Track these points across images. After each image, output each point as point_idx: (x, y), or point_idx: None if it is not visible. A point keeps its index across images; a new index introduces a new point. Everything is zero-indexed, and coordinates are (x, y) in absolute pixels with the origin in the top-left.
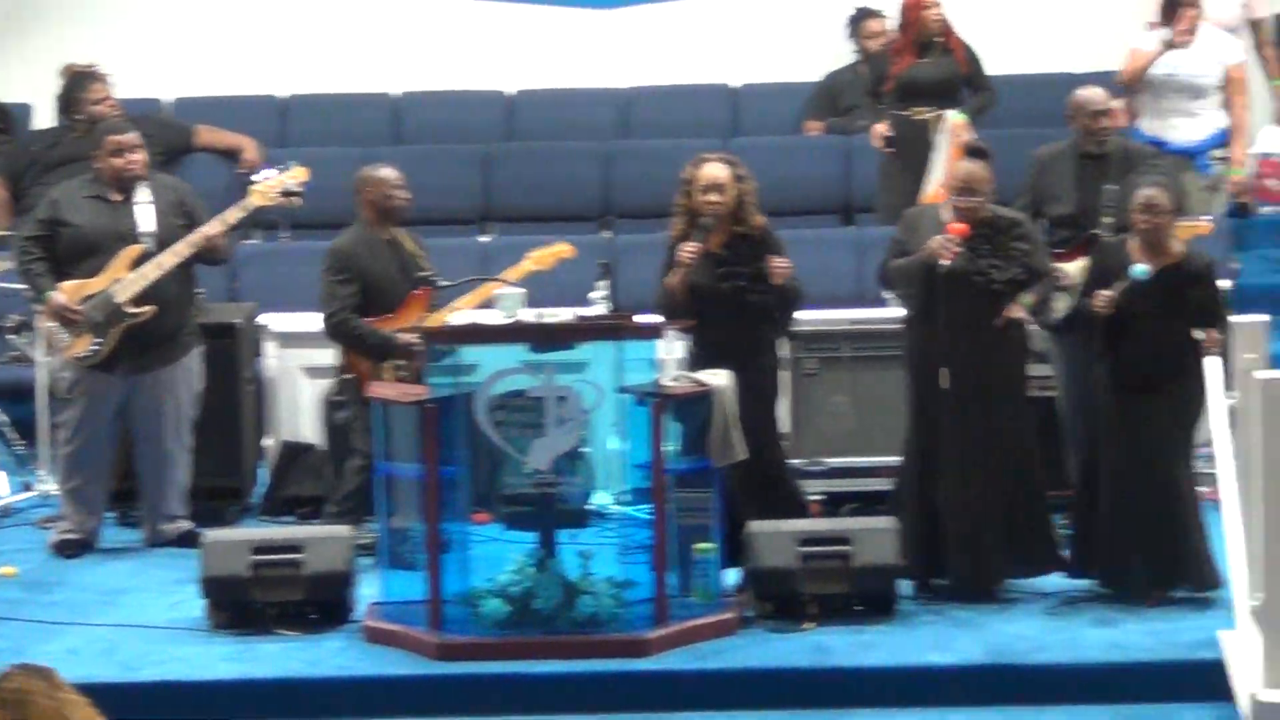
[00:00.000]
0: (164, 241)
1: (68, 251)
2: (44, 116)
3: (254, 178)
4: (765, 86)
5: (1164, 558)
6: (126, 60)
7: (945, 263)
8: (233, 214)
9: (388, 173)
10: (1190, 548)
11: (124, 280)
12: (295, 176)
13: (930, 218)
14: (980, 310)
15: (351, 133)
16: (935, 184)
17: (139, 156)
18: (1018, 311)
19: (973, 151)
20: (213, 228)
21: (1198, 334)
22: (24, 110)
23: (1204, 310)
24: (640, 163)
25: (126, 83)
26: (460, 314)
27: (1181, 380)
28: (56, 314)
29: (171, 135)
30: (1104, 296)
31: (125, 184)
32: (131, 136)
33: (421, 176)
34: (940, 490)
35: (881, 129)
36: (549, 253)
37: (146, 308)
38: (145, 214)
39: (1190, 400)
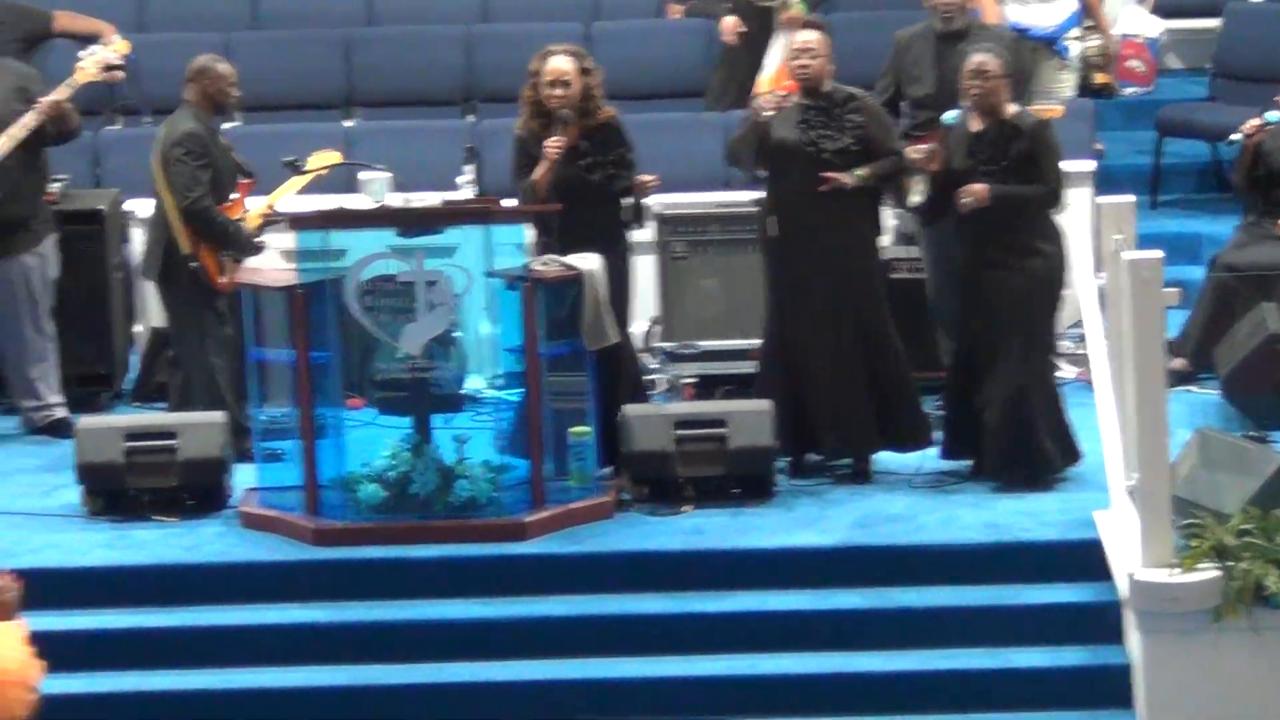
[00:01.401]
0: (2, 124)
1: None
2: None
3: (80, 54)
4: None
5: (1016, 437)
6: None
7: (768, 113)
8: (60, 92)
9: (228, 68)
10: (1050, 424)
11: None
12: (117, 50)
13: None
14: (816, 182)
15: (211, 18)
16: (772, 71)
17: None
18: (843, 178)
19: (810, 24)
20: (45, 105)
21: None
22: None
23: (1027, 163)
24: (502, 47)
25: None
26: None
27: (1031, 253)
28: None
29: (28, 21)
30: (922, 148)
31: None
32: None
33: (283, 62)
34: (802, 366)
35: (732, 23)
36: (322, 157)
37: None
38: None
39: (1043, 272)
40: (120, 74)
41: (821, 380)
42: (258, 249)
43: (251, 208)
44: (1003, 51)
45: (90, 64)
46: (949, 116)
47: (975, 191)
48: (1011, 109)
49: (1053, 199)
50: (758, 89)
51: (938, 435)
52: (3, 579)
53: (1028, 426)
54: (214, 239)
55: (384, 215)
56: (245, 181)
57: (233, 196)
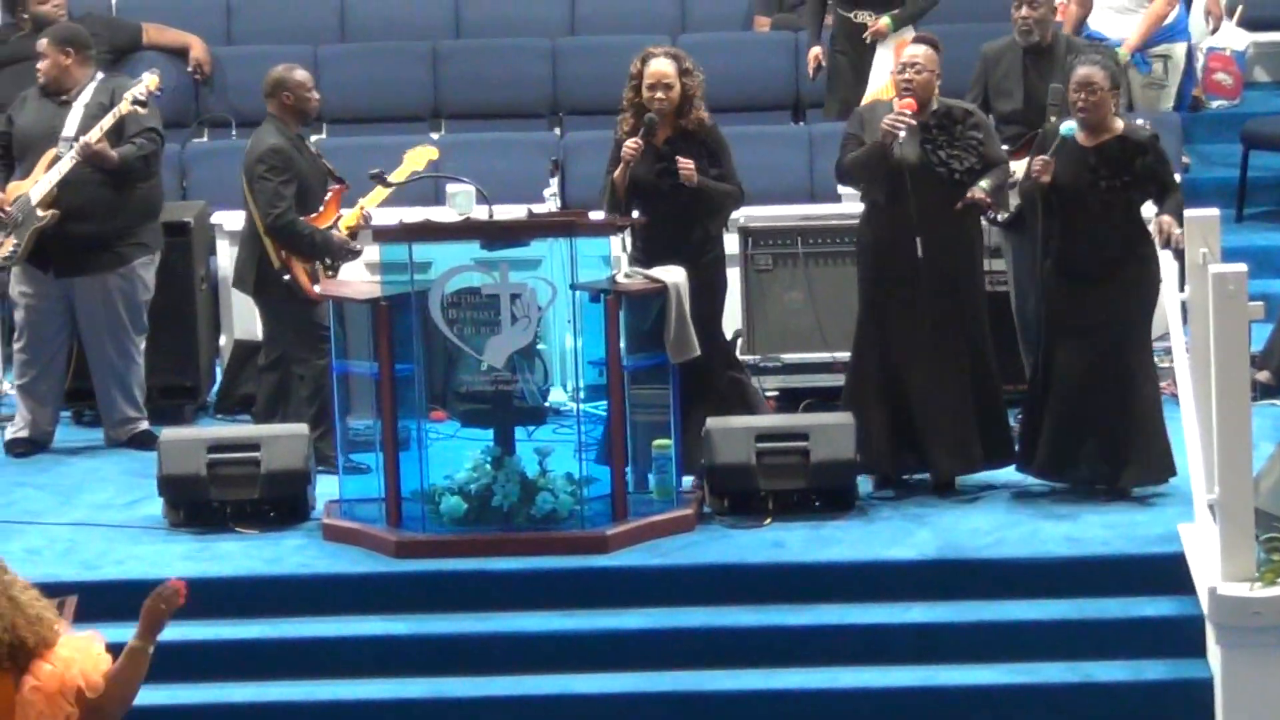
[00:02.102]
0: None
1: (16, 151)
2: None
3: (131, 82)
4: None
5: (1117, 450)
6: None
7: (902, 135)
8: (106, 121)
9: (303, 75)
10: (1144, 439)
11: (40, 182)
12: (149, 85)
13: (883, 110)
14: (942, 201)
15: (298, 30)
16: (878, 83)
17: (43, 65)
18: (978, 194)
19: (920, 39)
20: (92, 135)
21: (1147, 214)
22: None
23: (1151, 178)
24: (589, 59)
25: None
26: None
27: (1132, 266)
28: None
29: (118, 34)
30: (1040, 159)
31: (45, 89)
32: (41, 44)
33: (370, 74)
34: (904, 382)
35: (815, 54)
36: (420, 153)
37: (50, 212)
38: (75, 116)
39: (1143, 287)
40: (143, 109)
41: (920, 395)
42: (353, 254)
43: (345, 213)
44: (1109, 64)
45: (131, 94)
46: (1067, 128)
47: (1167, 230)
48: (1120, 123)
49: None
50: (866, 98)
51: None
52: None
53: (1136, 437)
54: (302, 251)
55: (469, 228)
56: (336, 188)
57: (325, 202)
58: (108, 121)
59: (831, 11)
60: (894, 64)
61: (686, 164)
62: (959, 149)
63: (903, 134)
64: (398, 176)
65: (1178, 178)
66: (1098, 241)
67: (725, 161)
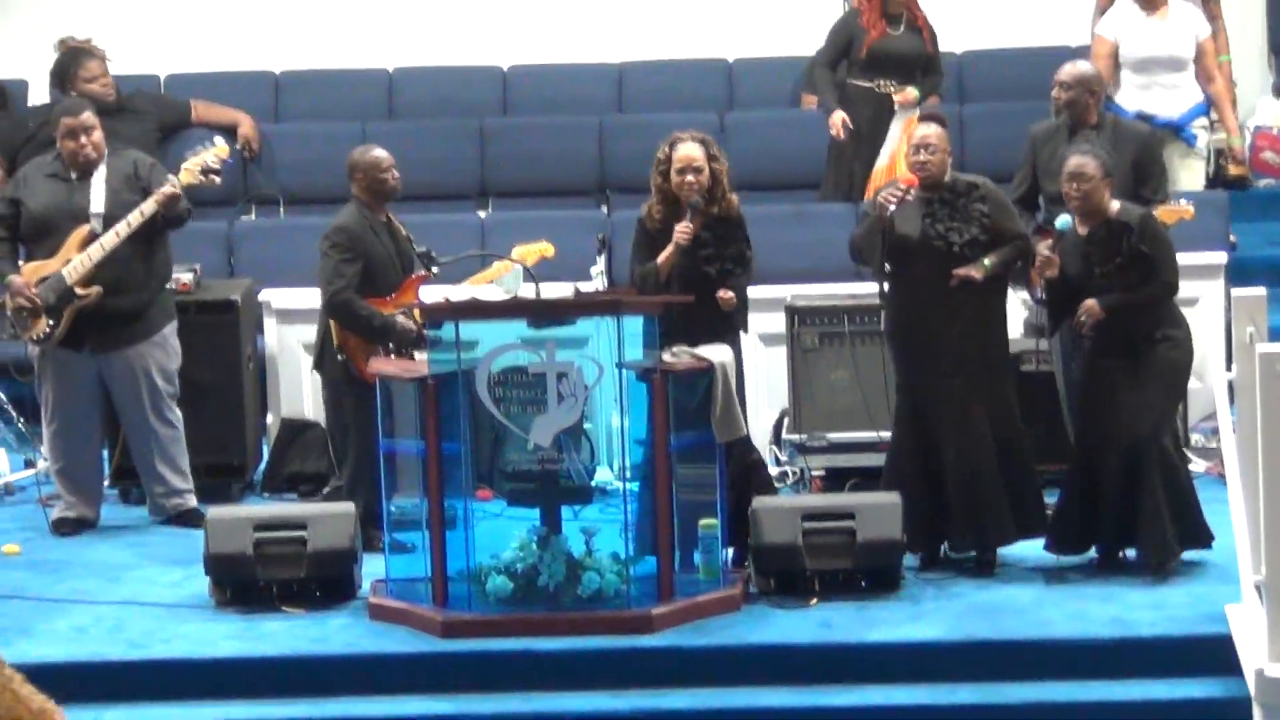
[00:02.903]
0: (111, 220)
1: (28, 232)
2: (40, 92)
3: (188, 154)
4: (760, 61)
5: (1155, 532)
6: (122, 36)
7: (892, 208)
8: (165, 191)
9: (379, 154)
10: (1179, 516)
11: (73, 261)
12: (218, 154)
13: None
14: (945, 274)
15: (346, 108)
16: (888, 159)
17: (95, 138)
18: (973, 271)
19: (929, 116)
20: (147, 206)
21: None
22: (20, 86)
23: (1140, 259)
24: (636, 137)
25: (123, 58)
26: (460, 288)
27: (1160, 346)
28: (14, 296)
29: (167, 111)
30: (1041, 254)
31: (81, 166)
32: (86, 117)
33: (417, 152)
34: (933, 458)
35: (840, 120)
36: (533, 249)
37: (93, 289)
38: (99, 193)
39: (1163, 365)
40: (217, 178)
41: (952, 472)
42: (418, 341)
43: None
44: (1099, 152)
45: (193, 164)
46: (1062, 221)
47: (1089, 309)
48: (1114, 206)
49: (1170, 291)
50: (874, 179)
51: None
52: None
53: (1164, 513)
54: (360, 332)
55: (515, 307)
56: (418, 275)
57: (402, 286)
58: (178, 182)
59: (842, 85)
60: (901, 138)
61: (728, 296)
62: (958, 221)
63: (893, 207)
64: (502, 268)
65: (1222, 256)
66: (1114, 327)
67: (748, 241)
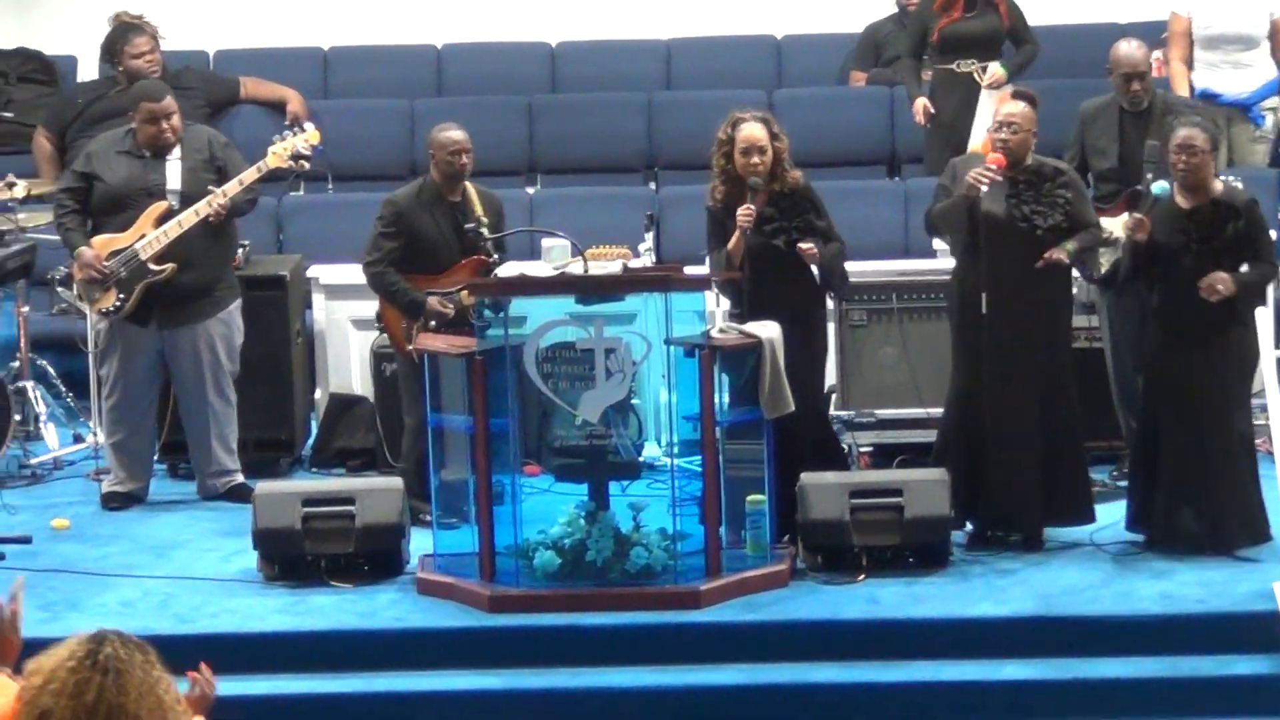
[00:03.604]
0: (189, 198)
1: (99, 206)
2: (89, 68)
3: (275, 138)
4: (809, 37)
5: (1224, 514)
6: (173, 11)
7: (984, 189)
8: (249, 175)
9: (450, 136)
10: (1243, 502)
11: (148, 237)
12: (309, 140)
13: (975, 163)
14: (1024, 257)
15: (394, 84)
16: (980, 134)
17: (174, 123)
18: (1059, 255)
19: (1019, 94)
20: (231, 188)
21: (1244, 269)
22: (70, 62)
23: (1245, 243)
24: (684, 114)
25: (172, 34)
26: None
27: (1234, 328)
28: (84, 269)
29: (216, 88)
30: (1135, 217)
31: (158, 149)
32: (167, 103)
33: (466, 128)
34: (987, 437)
35: (922, 105)
36: (614, 251)
37: (168, 265)
38: (174, 170)
39: (1241, 349)
40: (306, 164)
41: (1003, 451)
42: (442, 318)
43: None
44: (1209, 126)
45: (282, 150)
46: (1159, 187)
47: (1223, 281)
48: (1219, 186)
49: (1275, 274)
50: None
51: (1101, 507)
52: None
53: (1236, 499)
54: (394, 306)
55: (564, 283)
56: (473, 259)
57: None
58: (250, 176)
59: (929, 66)
60: (992, 116)
61: (809, 248)
62: (1044, 205)
63: (985, 188)
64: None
65: (1273, 234)
66: (1196, 303)
67: (826, 214)
